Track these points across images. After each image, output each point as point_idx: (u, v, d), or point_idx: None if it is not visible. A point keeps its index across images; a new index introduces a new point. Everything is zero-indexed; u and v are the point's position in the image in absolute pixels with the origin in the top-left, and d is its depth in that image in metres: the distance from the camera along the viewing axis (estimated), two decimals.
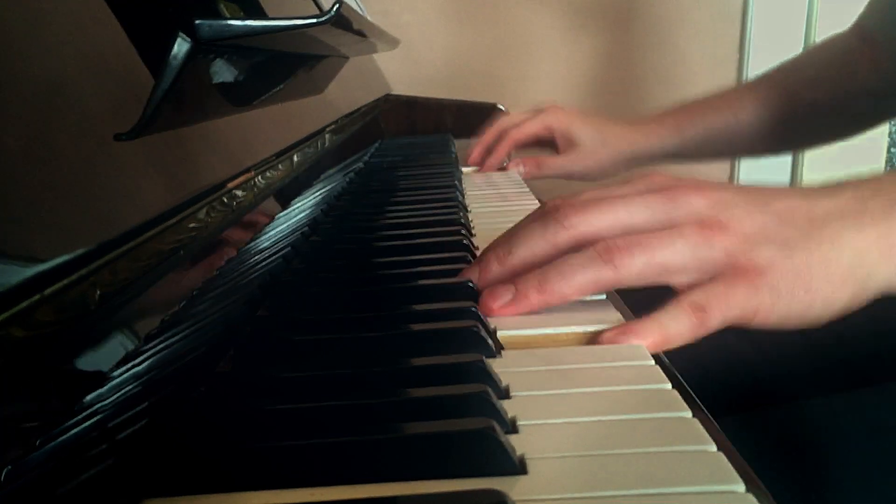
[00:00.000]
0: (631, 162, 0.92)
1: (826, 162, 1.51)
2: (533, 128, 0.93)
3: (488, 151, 0.97)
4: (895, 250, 0.37)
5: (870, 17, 0.80)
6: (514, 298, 0.40)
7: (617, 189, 0.42)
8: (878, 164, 1.62)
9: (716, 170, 1.63)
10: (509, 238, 0.43)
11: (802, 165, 1.62)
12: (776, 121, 0.85)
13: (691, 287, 0.37)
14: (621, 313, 0.40)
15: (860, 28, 0.81)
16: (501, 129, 0.96)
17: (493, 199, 0.78)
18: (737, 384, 0.67)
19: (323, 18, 0.42)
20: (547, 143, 0.96)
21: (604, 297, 0.43)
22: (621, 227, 0.39)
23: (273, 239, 0.53)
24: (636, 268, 0.38)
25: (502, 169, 0.97)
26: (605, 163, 0.91)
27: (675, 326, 0.36)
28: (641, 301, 0.39)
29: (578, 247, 0.40)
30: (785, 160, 1.64)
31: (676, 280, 0.38)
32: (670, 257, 0.38)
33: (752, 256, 0.37)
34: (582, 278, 0.38)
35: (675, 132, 0.89)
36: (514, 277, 0.41)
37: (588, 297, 0.43)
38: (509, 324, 0.39)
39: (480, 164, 0.97)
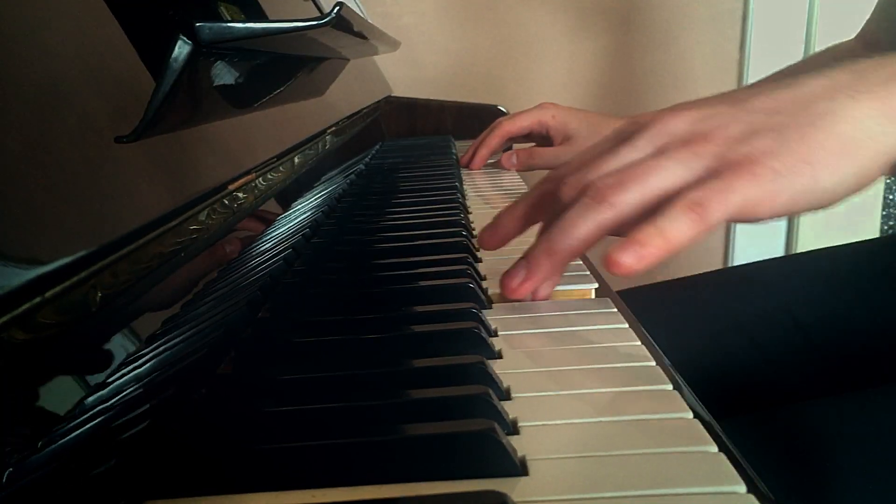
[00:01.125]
0: None
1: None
2: (525, 121, 0.93)
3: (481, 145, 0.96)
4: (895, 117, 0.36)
5: (875, 23, 0.79)
6: (529, 271, 0.40)
7: (599, 141, 0.41)
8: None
9: None
10: (515, 204, 0.44)
11: None
12: None
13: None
14: (625, 317, 0.40)
15: (865, 34, 0.80)
16: (493, 125, 0.96)
17: (494, 200, 0.78)
18: (738, 385, 0.67)
19: (323, 20, 0.42)
20: (541, 139, 0.95)
21: (614, 309, 0.43)
22: (611, 170, 0.38)
23: (274, 241, 0.53)
24: (632, 200, 0.36)
25: (496, 165, 0.96)
26: None
27: (674, 227, 0.34)
28: (641, 301, 0.39)
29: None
30: None
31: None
32: (663, 180, 0.36)
33: (744, 150, 0.36)
34: (584, 227, 0.37)
35: None
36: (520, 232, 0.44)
37: (594, 310, 0.43)
38: (510, 326, 0.39)
39: (469, 162, 0.97)
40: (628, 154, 0.39)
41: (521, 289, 0.40)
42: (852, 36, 0.83)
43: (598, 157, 0.40)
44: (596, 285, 0.46)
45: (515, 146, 0.98)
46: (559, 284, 0.45)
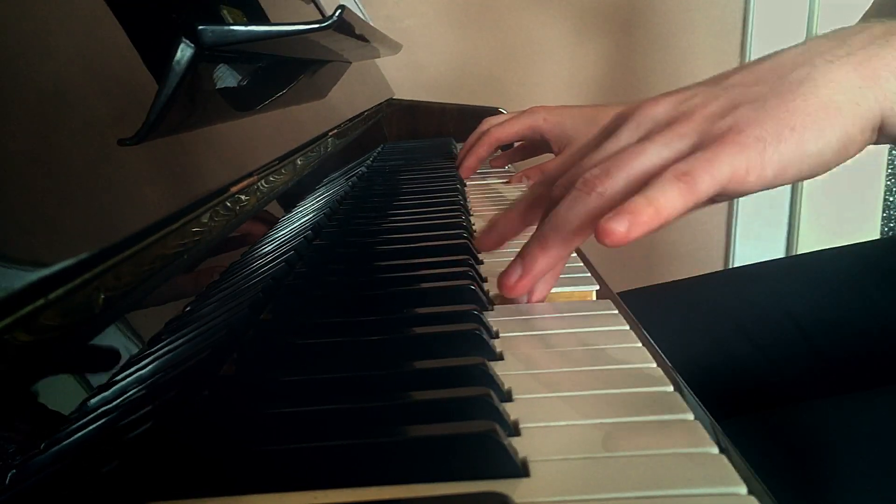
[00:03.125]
0: None
1: None
2: (516, 126, 0.87)
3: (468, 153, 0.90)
4: (877, 75, 0.35)
5: (876, 16, 0.79)
6: (524, 270, 0.40)
7: (587, 139, 0.42)
8: (880, 167, 1.62)
9: None
10: (511, 206, 0.45)
11: None
12: None
13: None
14: (624, 316, 0.41)
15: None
16: (482, 131, 0.90)
17: (495, 202, 0.78)
18: (739, 386, 0.67)
19: (325, 23, 0.42)
20: (534, 144, 0.92)
21: (615, 311, 0.43)
22: (597, 162, 0.39)
23: (276, 243, 0.53)
24: (619, 185, 0.37)
25: (496, 165, 0.94)
26: None
27: (664, 198, 0.34)
28: (642, 302, 0.39)
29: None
30: None
31: None
32: (648, 162, 0.37)
33: (726, 122, 0.36)
34: (575, 218, 0.38)
35: None
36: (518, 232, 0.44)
37: (592, 312, 0.43)
38: (511, 328, 0.39)
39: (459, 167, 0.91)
40: (613, 145, 0.39)
41: (519, 286, 0.40)
42: None
43: (585, 153, 0.40)
44: (596, 287, 0.46)
45: (501, 151, 0.97)
46: (560, 286, 0.45)
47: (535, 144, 0.93)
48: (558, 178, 0.41)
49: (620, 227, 0.34)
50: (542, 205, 0.42)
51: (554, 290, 0.45)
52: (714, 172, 0.34)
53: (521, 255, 0.41)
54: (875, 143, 0.38)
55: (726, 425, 0.29)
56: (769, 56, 0.39)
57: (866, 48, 0.36)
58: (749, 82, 0.37)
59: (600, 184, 0.37)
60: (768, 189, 0.36)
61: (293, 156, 0.58)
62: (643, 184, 0.36)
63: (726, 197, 0.36)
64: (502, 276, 0.41)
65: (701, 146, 0.36)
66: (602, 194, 0.37)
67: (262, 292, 0.44)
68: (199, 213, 0.37)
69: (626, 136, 0.39)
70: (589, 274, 0.48)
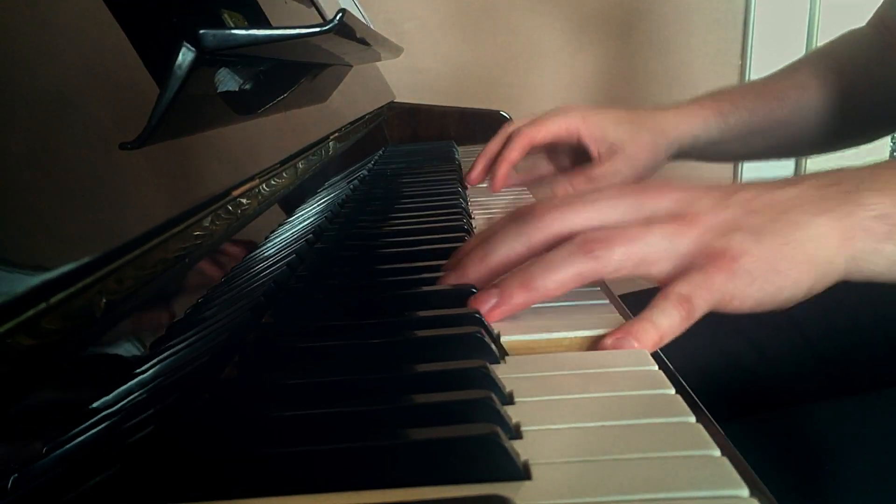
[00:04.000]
0: (674, 146, 0.77)
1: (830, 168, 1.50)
2: (552, 127, 0.75)
3: (493, 161, 0.79)
4: (851, 235, 0.38)
5: (892, 9, 0.78)
6: (500, 300, 0.40)
7: (587, 194, 0.43)
8: None
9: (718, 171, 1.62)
10: (485, 240, 0.44)
11: (805, 171, 1.62)
12: (822, 106, 0.79)
13: (671, 278, 0.39)
14: (621, 315, 0.41)
15: (882, 19, 0.79)
16: (509, 133, 0.78)
17: (496, 205, 0.78)
18: (740, 389, 0.67)
19: (326, 27, 0.42)
20: (567, 149, 0.80)
21: (606, 301, 0.44)
22: (595, 225, 0.41)
23: (278, 246, 0.53)
24: (615, 259, 0.39)
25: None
26: (658, 154, 0.76)
27: (668, 322, 0.37)
28: (643, 304, 0.39)
29: (553, 246, 0.41)
30: (787, 165, 1.64)
31: (655, 270, 0.39)
32: (647, 248, 0.39)
33: (724, 244, 0.38)
34: (565, 272, 0.39)
35: (717, 115, 0.77)
36: (491, 278, 0.42)
37: (589, 301, 0.44)
38: (512, 329, 0.39)
39: (482, 177, 0.79)
40: (613, 214, 0.41)
41: (490, 314, 0.40)
42: None
43: (584, 208, 0.42)
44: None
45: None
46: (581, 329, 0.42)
47: (559, 155, 0.82)
48: (547, 217, 0.42)
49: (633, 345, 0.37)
50: (524, 246, 0.42)
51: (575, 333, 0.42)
52: (708, 297, 0.38)
53: (500, 286, 0.41)
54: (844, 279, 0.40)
55: (727, 428, 0.29)
56: (767, 186, 0.41)
57: (842, 205, 0.39)
58: (750, 208, 0.40)
59: (599, 250, 0.39)
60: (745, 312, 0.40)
61: (295, 159, 0.58)
62: (636, 263, 0.39)
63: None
64: (475, 301, 0.41)
65: (697, 260, 0.38)
66: (598, 260, 0.39)
67: (263, 296, 0.44)
68: (201, 216, 0.37)
69: (629, 210, 0.41)
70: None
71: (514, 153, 0.76)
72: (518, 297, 0.40)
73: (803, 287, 0.39)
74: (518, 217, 0.43)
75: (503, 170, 0.76)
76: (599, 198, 0.42)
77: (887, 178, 0.40)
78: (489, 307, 0.40)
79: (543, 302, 0.40)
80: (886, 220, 0.38)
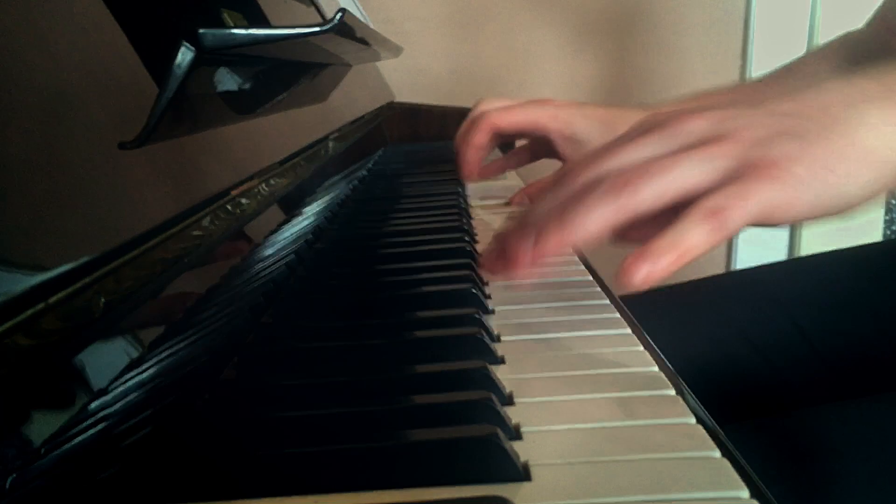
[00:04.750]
0: None
1: None
2: (518, 116, 0.73)
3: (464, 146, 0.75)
4: None
5: (891, 10, 0.77)
6: (536, 242, 0.37)
7: (611, 141, 0.39)
8: None
9: None
10: (523, 219, 0.39)
11: None
12: None
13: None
14: (621, 315, 0.40)
15: (885, 20, 0.78)
16: (475, 115, 0.75)
17: (497, 207, 0.78)
18: (741, 390, 0.67)
19: (326, 27, 0.42)
20: (536, 143, 0.78)
21: (606, 301, 0.43)
22: (629, 164, 0.37)
23: (277, 246, 0.53)
24: (652, 192, 0.35)
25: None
26: None
27: (691, 237, 0.33)
28: (643, 305, 0.38)
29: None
30: None
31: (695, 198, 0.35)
32: (684, 176, 0.35)
33: (766, 152, 0.35)
34: (602, 209, 0.35)
35: None
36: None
37: (589, 301, 0.43)
38: (512, 329, 0.39)
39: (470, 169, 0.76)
40: (646, 149, 0.37)
41: (524, 257, 0.37)
42: None
43: (615, 150, 0.38)
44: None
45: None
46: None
47: (536, 145, 0.80)
48: (581, 170, 0.38)
49: (641, 273, 0.33)
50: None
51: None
52: (748, 208, 0.34)
53: (537, 227, 0.37)
54: None
55: (728, 429, 0.29)
56: (813, 88, 0.38)
57: (891, 91, 0.36)
58: (794, 113, 0.37)
59: (634, 184, 0.35)
60: (801, 221, 0.36)
61: (294, 159, 0.58)
62: (675, 193, 0.35)
63: (755, 226, 0.36)
64: (508, 239, 0.37)
65: (737, 173, 0.35)
66: (634, 195, 0.35)
67: (262, 296, 0.44)
68: (200, 216, 0.37)
69: (657, 145, 0.37)
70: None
71: (478, 136, 0.73)
72: (555, 238, 0.36)
73: (865, 182, 0.35)
74: (555, 182, 0.39)
75: (470, 155, 0.74)
76: (624, 140, 0.39)
77: None
78: (525, 249, 0.37)
79: (541, 303, 0.40)
80: None
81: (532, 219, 0.38)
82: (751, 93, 0.76)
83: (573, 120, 0.73)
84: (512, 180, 0.92)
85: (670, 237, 0.34)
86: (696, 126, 0.37)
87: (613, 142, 0.39)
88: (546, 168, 0.90)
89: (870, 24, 0.80)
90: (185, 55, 0.35)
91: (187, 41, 0.35)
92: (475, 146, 0.73)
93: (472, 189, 0.86)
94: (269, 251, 0.51)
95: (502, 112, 0.73)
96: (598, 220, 0.36)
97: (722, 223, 0.34)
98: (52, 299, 0.24)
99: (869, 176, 0.35)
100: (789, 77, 0.78)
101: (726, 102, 0.39)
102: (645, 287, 0.33)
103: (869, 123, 0.36)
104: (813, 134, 0.35)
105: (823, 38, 1.55)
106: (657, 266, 0.33)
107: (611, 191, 0.36)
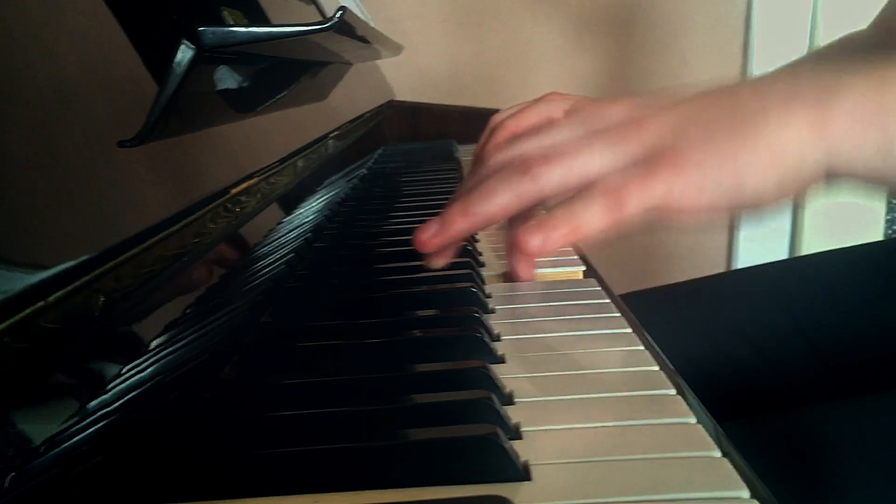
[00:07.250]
0: None
1: None
2: (532, 118, 0.73)
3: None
4: (825, 124, 0.34)
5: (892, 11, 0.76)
6: (440, 229, 0.40)
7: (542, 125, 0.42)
8: None
9: None
10: (453, 198, 0.43)
11: None
12: None
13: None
14: (621, 315, 0.40)
15: (887, 21, 0.78)
16: (493, 126, 0.78)
17: None
18: (741, 390, 0.67)
19: (326, 25, 0.42)
20: None
21: (607, 300, 0.43)
22: (538, 148, 0.39)
23: (277, 245, 0.53)
24: (556, 175, 0.37)
25: None
26: None
27: (587, 213, 0.34)
28: (644, 305, 0.38)
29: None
30: None
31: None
32: (589, 160, 0.36)
33: (671, 141, 0.35)
34: (503, 195, 0.38)
35: None
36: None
37: (589, 301, 0.43)
38: (512, 329, 0.39)
39: None
40: (559, 135, 0.39)
41: (430, 243, 0.40)
42: None
43: (530, 135, 0.40)
44: (583, 268, 0.47)
45: None
46: (548, 267, 0.45)
47: None
48: (496, 154, 0.40)
49: (535, 241, 0.35)
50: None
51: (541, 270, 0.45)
52: (646, 192, 0.34)
53: (442, 216, 0.40)
54: (822, 187, 0.37)
55: (728, 429, 0.29)
56: (730, 86, 0.39)
57: (819, 98, 0.35)
58: (707, 107, 0.37)
59: (536, 168, 0.37)
60: (703, 218, 0.35)
61: (294, 157, 0.58)
62: (579, 177, 0.36)
63: (663, 223, 0.36)
64: (417, 232, 0.41)
65: (642, 160, 0.35)
66: (536, 178, 0.37)
67: (262, 294, 0.44)
68: (200, 214, 0.37)
69: (572, 129, 0.39)
70: (576, 256, 0.49)
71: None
72: (458, 224, 0.39)
73: (769, 180, 0.35)
74: (473, 167, 0.43)
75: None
76: (551, 124, 0.41)
77: (875, 63, 0.36)
78: (430, 234, 0.40)
79: (541, 302, 0.40)
80: (869, 104, 0.34)
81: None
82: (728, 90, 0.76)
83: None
84: None
85: (566, 211, 0.35)
86: (611, 114, 0.38)
87: (531, 128, 0.41)
88: None
89: (873, 26, 0.79)
90: (184, 53, 0.35)
91: (187, 39, 0.35)
92: None
93: None
94: (269, 250, 0.51)
95: (516, 117, 0.72)
96: (499, 203, 0.37)
97: (618, 203, 0.34)
98: (52, 298, 0.24)
99: (772, 174, 0.35)
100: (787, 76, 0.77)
101: (645, 97, 0.40)
102: (537, 256, 0.35)
103: (777, 121, 0.35)
104: (720, 126, 0.35)
105: (824, 38, 1.55)
106: (550, 237, 0.34)
107: (513, 175, 0.37)
